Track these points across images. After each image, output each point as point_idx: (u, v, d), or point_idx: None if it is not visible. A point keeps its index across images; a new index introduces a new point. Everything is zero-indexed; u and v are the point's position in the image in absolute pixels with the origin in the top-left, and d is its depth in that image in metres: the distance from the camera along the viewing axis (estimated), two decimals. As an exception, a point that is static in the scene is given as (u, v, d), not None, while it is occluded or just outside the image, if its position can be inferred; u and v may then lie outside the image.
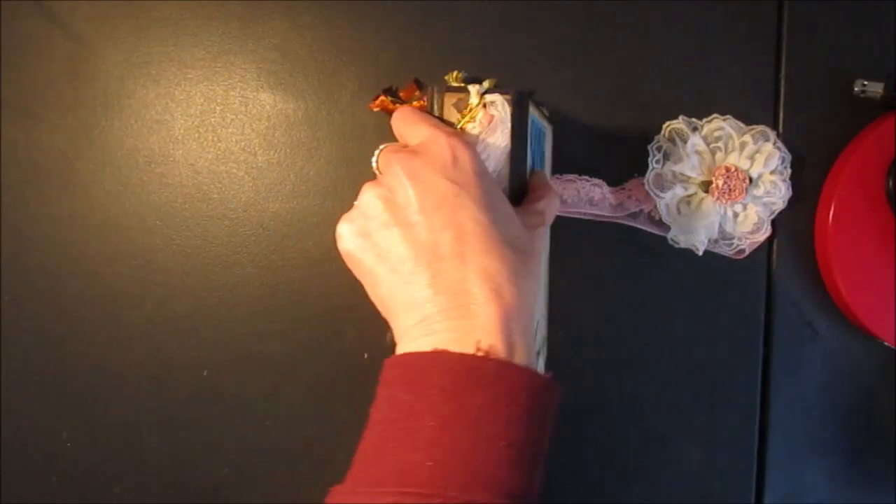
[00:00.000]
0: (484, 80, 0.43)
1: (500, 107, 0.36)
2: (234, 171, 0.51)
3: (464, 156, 0.33)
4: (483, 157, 0.36)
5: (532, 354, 0.32)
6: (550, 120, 0.48)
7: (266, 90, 0.51)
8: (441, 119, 0.37)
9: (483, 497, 0.27)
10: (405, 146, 0.37)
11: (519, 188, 0.37)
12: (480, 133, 0.36)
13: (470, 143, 0.34)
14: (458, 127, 0.37)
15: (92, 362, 0.52)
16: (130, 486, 0.53)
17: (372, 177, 0.48)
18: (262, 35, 0.51)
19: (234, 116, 0.51)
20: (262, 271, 0.52)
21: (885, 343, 0.51)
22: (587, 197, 0.50)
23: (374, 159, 0.39)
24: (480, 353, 0.29)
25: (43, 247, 0.52)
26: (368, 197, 0.34)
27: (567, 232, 0.51)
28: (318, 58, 0.51)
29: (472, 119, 0.36)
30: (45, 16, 0.51)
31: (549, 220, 0.38)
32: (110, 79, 0.51)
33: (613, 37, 0.51)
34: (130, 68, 0.51)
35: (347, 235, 0.34)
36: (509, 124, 0.36)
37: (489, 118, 0.36)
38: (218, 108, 0.51)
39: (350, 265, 0.35)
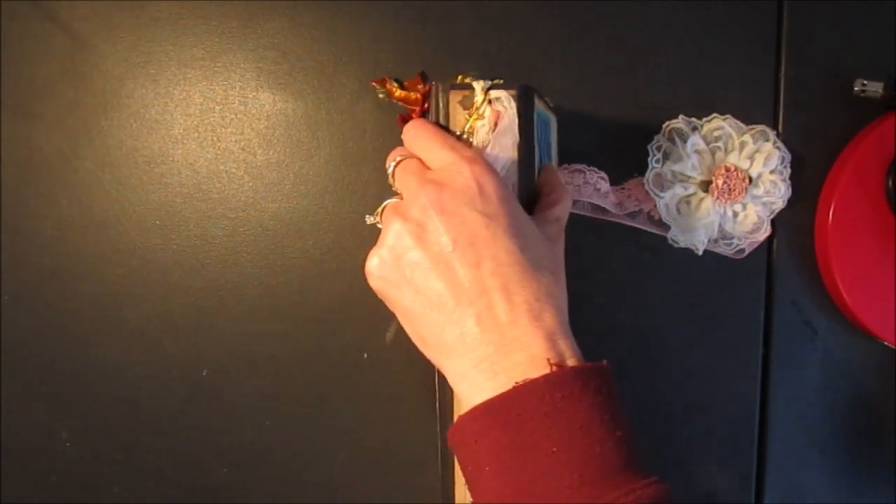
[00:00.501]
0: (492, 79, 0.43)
1: (506, 102, 0.36)
2: (234, 170, 0.51)
3: (489, 185, 0.33)
4: (494, 155, 0.36)
5: (578, 352, 0.33)
6: (554, 110, 0.48)
7: (265, 90, 0.51)
8: (447, 116, 0.37)
9: (626, 487, 0.28)
10: (421, 164, 0.36)
11: (528, 185, 0.37)
12: (487, 132, 0.36)
13: (490, 167, 0.34)
14: (468, 126, 0.36)
15: (92, 362, 0.52)
16: (130, 486, 0.53)
17: (373, 177, 0.48)
18: (262, 35, 0.51)
19: (233, 116, 0.51)
20: (262, 271, 0.52)
21: (885, 343, 0.51)
22: (595, 187, 0.50)
23: (389, 168, 0.38)
24: (555, 369, 0.30)
25: (43, 247, 0.52)
26: (396, 231, 0.33)
27: (567, 232, 0.51)
28: (318, 58, 0.51)
29: (481, 117, 0.36)
30: (45, 16, 0.51)
31: (565, 222, 0.38)
32: (110, 78, 0.51)
33: (613, 37, 0.51)
34: (130, 68, 0.51)
35: (378, 272, 0.34)
36: (514, 120, 0.36)
37: (495, 114, 0.36)
38: (217, 107, 0.51)
39: (386, 302, 0.35)
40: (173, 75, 0.51)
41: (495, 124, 0.36)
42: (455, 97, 0.36)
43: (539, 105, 0.40)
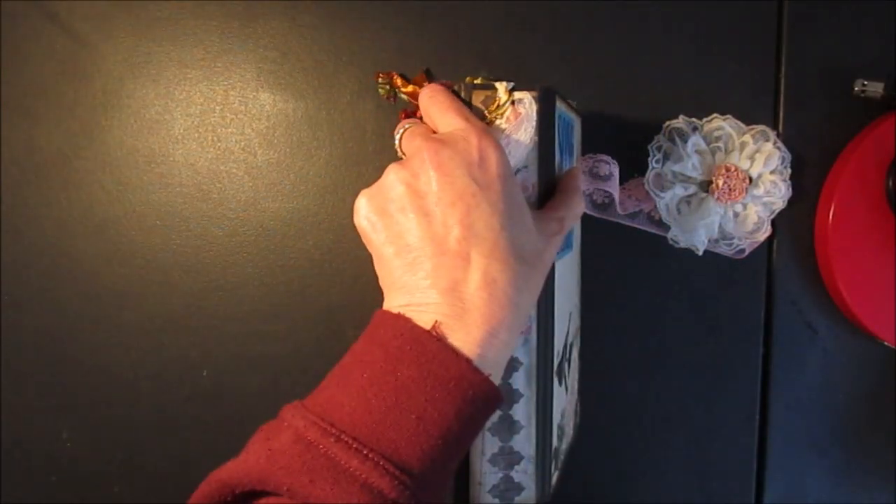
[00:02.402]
0: (480, 77, 0.43)
1: (528, 104, 0.36)
2: (234, 170, 0.51)
3: (491, 157, 0.33)
4: (510, 152, 0.36)
5: (500, 369, 0.32)
6: (577, 111, 0.48)
7: (266, 90, 0.51)
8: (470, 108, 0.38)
9: (372, 454, 0.29)
10: (432, 130, 0.37)
11: (547, 185, 0.37)
12: (507, 130, 0.36)
13: (499, 144, 0.34)
14: (486, 122, 0.37)
15: (92, 362, 0.52)
16: (130, 486, 0.53)
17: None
18: (262, 35, 0.51)
19: (233, 116, 0.51)
20: (262, 271, 0.52)
21: (885, 343, 0.51)
22: (604, 172, 0.50)
23: (397, 136, 0.38)
24: (434, 333, 0.30)
25: (43, 247, 0.52)
26: (392, 178, 0.34)
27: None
28: (318, 58, 0.51)
29: (501, 115, 0.36)
30: (45, 16, 0.51)
31: (569, 225, 0.37)
32: (110, 79, 0.51)
33: (613, 37, 0.51)
34: (130, 68, 0.51)
35: (364, 211, 0.34)
36: (535, 122, 0.36)
37: (516, 115, 0.36)
38: (218, 107, 0.51)
39: (362, 238, 0.36)
40: (173, 75, 0.51)
41: (515, 124, 0.36)
42: (478, 97, 0.37)
43: (562, 107, 0.40)
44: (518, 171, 0.36)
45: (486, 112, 0.36)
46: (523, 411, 0.38)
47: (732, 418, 0.53)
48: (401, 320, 0.31)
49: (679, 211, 0.50)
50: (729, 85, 0.51)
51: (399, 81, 0.50)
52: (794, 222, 0.52)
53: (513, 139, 0.36)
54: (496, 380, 0.32)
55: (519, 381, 0.37)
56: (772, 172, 0.49)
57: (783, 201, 0.50)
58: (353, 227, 0.35)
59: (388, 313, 0.32)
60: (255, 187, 0.51)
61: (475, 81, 0.42)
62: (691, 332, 0.52)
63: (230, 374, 0.52)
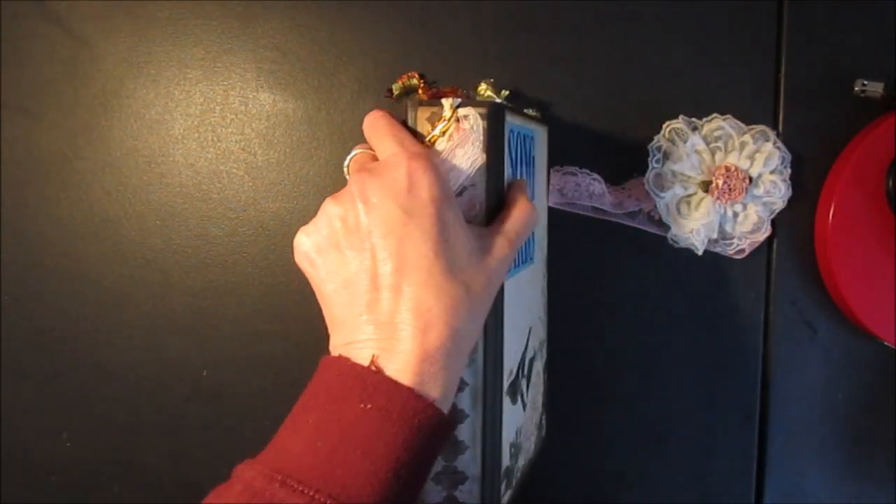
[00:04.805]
0: (483, 82, 0.43)
1: (473, 120, 0.35)
2: (234, 170, 0.51)
3: (421, 182, 0.32)
4: (452, 172, 0.35)
5: (449, 395, 0.32)
6: (542, 119, 0.47)
7: (266, 90, 0.51)
8: (414, 132, 0.37)
9: (318, 494, 0.28)
10: (372, 157, 0.37)
11: (497, 202, 0.37)
12: (451, 147, 0.35)
13: (432, 166, 0.33)
14: (428, 140, 0.36)
15: (92, 362, 0.52)
16: (130, 486, 0.53)
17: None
18: (262, 35, 0.51)
19: (233, 116, 0.51)
20: (262, 271, 0.52)
21: (885, 343, 0.51)
22: (587, 191, 0.50)
23: (346, 163, 0.38)
24: (373, 368, 0.30)
25: (43, 247, 0.52)
26: (326, 214, 0.34)
27: (567, 231, 0.51)
28: (318, 58, 0.51)
29: (445, 133, 0.36)
30: (45, 16, 0.51)
31: (519, 242, 0.36)
32: (110, 79, 0.51)
33: (613, 37, 0.51)
34: (130, 68, 0.51)
35: (301, 250, 0.35)
36: (481, 138, 0.35)
37: (461, 132, 0.35)
38: (218, 107, 0.51)
39: (308, 278, 0.36)
40: (173, 75, 0.51)
41: (460, 141, 0.35)
42: (423, 114, 0.36)
43: (516, 121, 0.40)
44: (464, 189, 0.36)
45: (431, 130, 0.36)
46: (468, 431, 0.37)
47: (732, 418, 0.53)
48: (341, 361, 0.31)
49: (679, 211, 0.50)
50: (729, 85, 0.51)
51: (418, 80, 0.49)
52: (794, 222, 0.52)
53: (457, 157, 0.35)
54: (445, 405, 0.31)
55: (464, 401, 0.37)
56: (772, 172, 0.49)
57: (783, 201, 0.50)
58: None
59: (330, 357, 0.32)
60: (255, 187, 0.51)
61: (482, 94, 0.42)
62: (691, 332, 0.52)
63: (230, 374, 0.52)
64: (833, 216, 0.49)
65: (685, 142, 0.49)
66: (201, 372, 0.52)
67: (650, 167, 0.49)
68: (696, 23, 0.50)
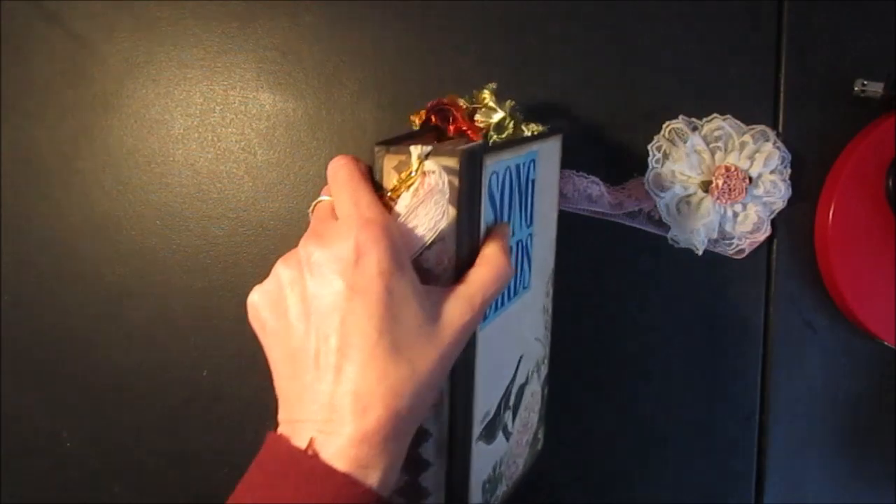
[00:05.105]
0: (485, 88, 0.41)
1: (439, 177, 0.33)
2: (234, 170, 0.51)
3: (370, 255, 0.31)
4: (415, 231, 0.33)
5: (390, 477, 0.31)
6: (552, 130, 0.45)
7: (266, 90, 0.51)
8: (381, 181, 0.34)
9: None
10: (331, 211, 0.35)
11: (470, 255, 0.34)
12: (413, 203, 0.33)
13: (385, 235, 0.31)
14: (389, 195, 0.34)
15: (92, 362, 0.52)
16: (130, 486, 0.53)
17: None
18: (262, 35, 0.51)
19: (233, 116, 0.51)
20: (262, 271, 0.51)
21: (885, 343, 0.51)
22: (585, 193, 0.50)
23: (310, 210, 0.37)
24: (310, 452, 0.30)
25: (43, 247, 0.52)
26: (275, 276, 0.33)
27: (567, 231, 0.51)
28: (318, 58, 0.51)
29: (407, 188, 0.33)
30: (45, 16, 0.51)
31: (486, 302, 0.34)
32: (110, 79, 0.51)
33: (613, 37, 0.51)
34: (130, 68, 0.51)
35: (251, 309, 0.34)
36: (448, 195, 0.32)
37: (427, 187, 0.33)
38: (218, 108, 0.51)
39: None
40: (174, 75, 0.51)
41: (426, 195, 0.33)
42: (390, 162, 0.34)
43: (506, 155, 0.37)
44: (432, 244, 0.33)
45: (398, 180, 0.33)
46: (432, 480, 0.36)
47: (732, 418, 0.53)
48: (280, 442, 0.31)
49: (679, 211, 0.50)
50: (729, 85, 0.51)
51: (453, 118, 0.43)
52: (794, 222, 0.52)
53: (420, 215, 0.33)
54: (384, 488, 0.30)
55: (428, 451, 0.36)
56: (772, 172, 0.49)
57: (783, 201, 0.50)
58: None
59: (272, 435, 0.32)
60: (255, 187, 0.51)
61: (483, 98, 0.41)
62: (691, 332, 0.52)
63: (230, 374, 0.52)
64: (833, 216, 0.49)
65: (685, 142, 0.49)
66: (201, 372, 0.52)
67: (650, 167, 0.49)
68: (696, 23, 0.50)
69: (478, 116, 0.41)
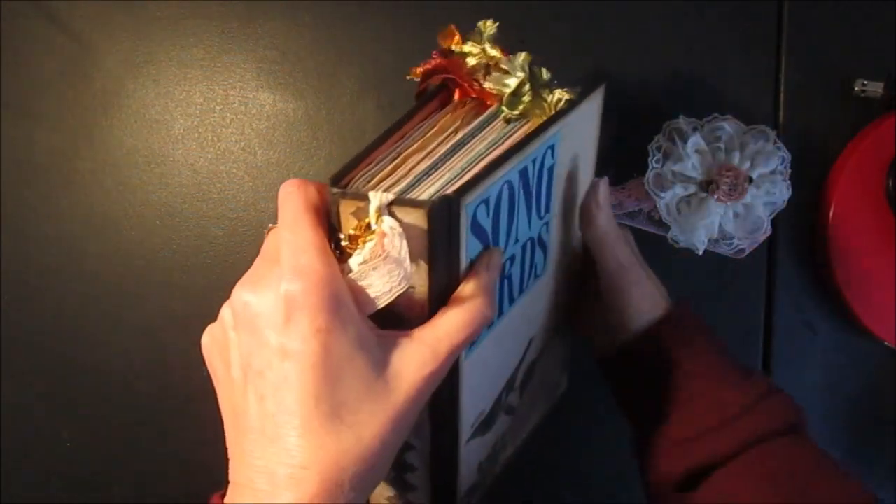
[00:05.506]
0: (486, 25, 0.36)
1: (396, 239, 0.27)
2: (234, 170, 0.51)
3: (301, 312, 0.27)
4: (367, 289, 0.29)
5: None
6: (586, 89, 0.38)
7: (266, 90, 0.51)
8: (339, 223, 0.29)
9: None
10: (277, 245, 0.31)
11: (446, 297, 0.30)
12: (376, 253, 0.28)
13: (321, 287, 0.27)
14: (342, 243, 0.29)
15: (92, 362, 0.52)
16: (130, 487, 0.53)
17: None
18: (262, 35, 0.51)
19: (233, 116, 0.51)
20: (262, 271, 0.52)
21: (885, 343, 0.51)
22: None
23: (266, 232, 0.33)
24: None
25: (43, 247, 0.52)
26: (221, 320, 0.31)
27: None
28: (318, 58, 0.51)
29: (362, 244, 0.28)
30: (45, 16, 0.51)
31: (455, 351, 0.29)
32: (110, 79, 0.51)
33: (613, 37, 0.51)
34: (130, 68, 0.51)
35: (205, 353, 0.32)
36: (405, 263, 0.28)
37: (382, 250, 0.28)
38: (218, 107, 0.51)
39: None
40: (174, 75, 0.51)
41: (388, 244, 0.28)
42: (348, 207, 0.29)
43: (501, 172, 0.31)
44: (403, 291, 0.29)
45: (353, 230, 0.29)
46: (419, 479, 0.36)
47: (732, 418, 0.53)
48: None
49: (679, 211, 0.50)
50: (729, 85, 0.51)
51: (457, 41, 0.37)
52: (794, 222, 0.52)
53: (374, 276, 0.28)
54: None
55: (413, 458, 0.35)
56: (772, 172, 0.49)
57: (783, 201, 0.50)
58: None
59: (214, 498, 0.30)
60: (255, 187, 0.51)
61: (483, 31, 0.35)
62: (691, 332, 0.52)
63: (230, 374, 0.52)
64: (833, 216, 0.49)
65: (685, 142, 0.49)
66: (201, 372, 0.52)
67: (650, 167, 0.49)
68: (696, 23, 0.50)
69: (488, 84, 0.35)
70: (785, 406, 0.39)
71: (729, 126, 0.49)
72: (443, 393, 0.31)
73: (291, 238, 0.29)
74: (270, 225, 0.33)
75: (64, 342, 0.52)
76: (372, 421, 0.28)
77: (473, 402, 0.37)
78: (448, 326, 0.29)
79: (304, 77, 0.51)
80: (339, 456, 0.27)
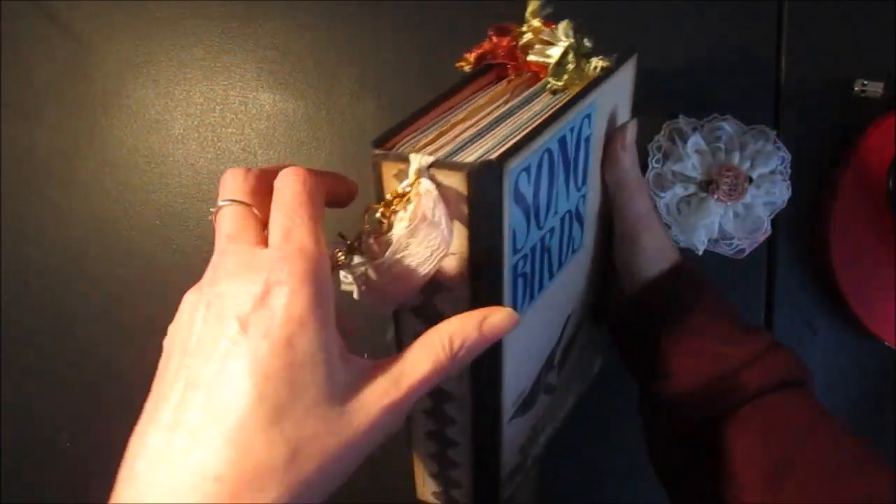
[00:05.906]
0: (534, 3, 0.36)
1: (431, 202, 0.26)
2: (234, 171, 0.51)
3: (278, 293, 0.24)
4: (409, 261, 0.27)
5: None
6: (620, 59, 0.38)
7: (266, 90, 0.51)
8: (381, 187, 0.29)
9: None
10: (255, 219, 0.29)
11: (488, 267, 0.29)
12: (417, 216, 0.27)
13: (307, 273, 0.25)
14: (377, 215, 0.28)
15: (92, 362, 0.52)
16: (130, 486, 0.53)
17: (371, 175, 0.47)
18: (262, 35, 0.51)
19: (233, 116, 0.51)
20: (262, 271, 0.52)
21: (886, 343, 0.51)
22: None
23: (212, 217, 0.31)
24: None
25: (43, 247, 0.52)
26: (182, 308, 0.28)
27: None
28: (318, 58, 0.51)
29: (404, 207, 0.27)
30: (45, 16, 0.51)
31: (412, 389, 0.27)
32: (110, 79, 0.51)
33: (613, 36, 0.50)
34: (130, 68, 0.51)
35: (166, 341, 0.29)
36: (441, 226, 0.27)
37: (419, 214, 0.27)
38: (218, 107, 0.51)
39: None
40: (174, 75, 0.51)
41: (426, 208, 0.27)
42: (390, 169, 0.28)
43: (542, 140, 0.31)
44: (443, 255, 0.28)
45: (390, 195, 0.28)
46: (462, 454, 0.36)
47: (732, 418, 0.53)
48: None
49: (679, 211, 0.50)
50: (729, 85, 0.51)
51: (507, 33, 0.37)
52: (794, 222, 0.52)
53: (413, 243, 0.27)
54: None
55: (455, 433, 0.35)
56: (772, 172, 0.49)
57: (783, 201, 0.50)
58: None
59: None
60: (255, 187, 0.51)
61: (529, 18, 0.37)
62: (691, 332, 0.52)
63: (230, 374, 0.52)
64: (833, 216, 0.49)
65: (685, 142, 0.49)
66: (201, 372, 0.52)
67: (650, 167, 0.49)
68: (696, 23, 0.50)
69: (531, 57, 0.35)
70: (787, 362, 0.39)
71: (729, 126, 0.49)
72: (483, 367, 0.30)
73: (291, 214, 0.27)
74: (214, 209, 0.30)
75: (64, 342, 0.52)
76: (316, 442, 0.24)
77: (516, 379, 0.36)
78: (414, 366, 0.27)
79: (304, 77, 0.51)
80: (263, 471, 0.23)
